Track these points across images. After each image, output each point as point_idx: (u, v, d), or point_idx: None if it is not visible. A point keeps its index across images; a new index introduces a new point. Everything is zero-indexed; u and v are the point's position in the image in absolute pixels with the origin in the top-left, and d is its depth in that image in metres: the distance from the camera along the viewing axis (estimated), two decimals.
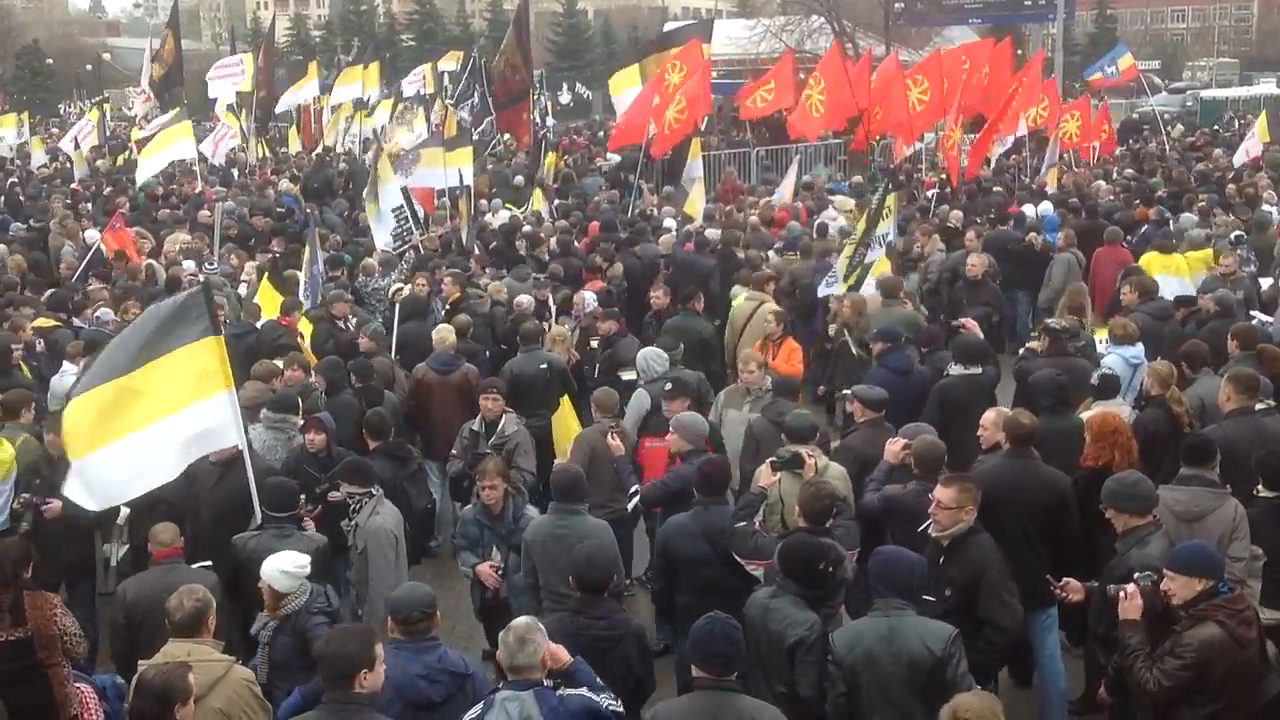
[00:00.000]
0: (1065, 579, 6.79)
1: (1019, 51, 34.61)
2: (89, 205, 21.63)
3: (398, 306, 12.26)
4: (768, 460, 7.58)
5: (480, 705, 5.37)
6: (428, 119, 29.05)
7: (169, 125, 22.20)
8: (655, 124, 20.12)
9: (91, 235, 17.36)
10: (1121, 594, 5.83)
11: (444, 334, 10.83)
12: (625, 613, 6.56)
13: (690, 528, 7.26)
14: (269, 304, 12.40)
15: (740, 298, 12.78)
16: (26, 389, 9.90)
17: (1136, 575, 5.92)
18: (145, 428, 7.26)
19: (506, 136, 27.98)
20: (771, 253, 15.36)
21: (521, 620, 5.56)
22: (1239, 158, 24.08)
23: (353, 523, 7.66)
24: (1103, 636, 6.52)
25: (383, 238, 15.63)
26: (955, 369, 9.68)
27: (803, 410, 9.03)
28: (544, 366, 10.50)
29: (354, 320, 12.35)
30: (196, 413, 7.40)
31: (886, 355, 10.26)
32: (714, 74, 26.26)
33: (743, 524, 7.15)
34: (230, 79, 30.11)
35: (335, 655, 5.21)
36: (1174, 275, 12.86)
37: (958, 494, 6.55)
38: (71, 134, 29.44)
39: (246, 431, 7.89)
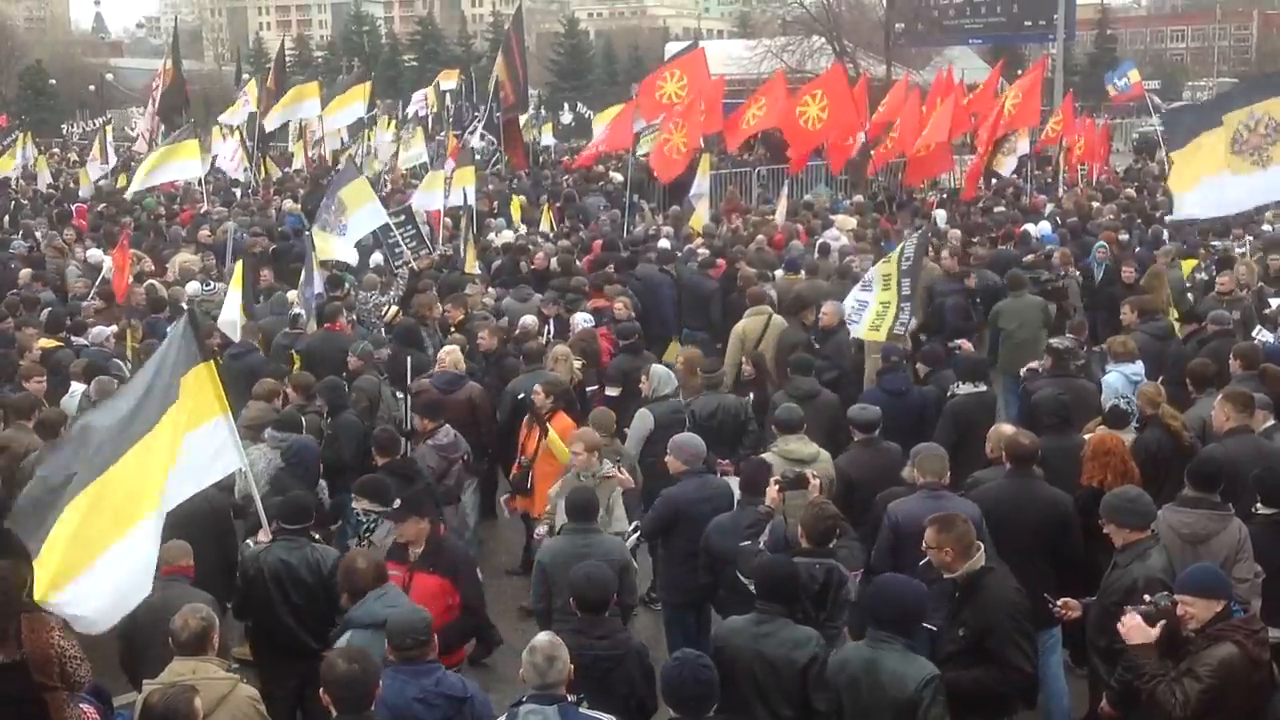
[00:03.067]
0: (1063, 598, 6.78)
1: (1018, 71, 34.69)
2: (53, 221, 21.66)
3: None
4: (772, 479, 7.59)
5: (504, 717, 5.39)
6: (426, 138, 29.13)
7: (175, 143, 22.18)
8: (659, 144, 20.03)
9: (94, 254, 17.38)
10: (1134, 619, 5.72)
11: (450, 354, 10.81)
12: (627, 632, 6.53)
13: (728, 526, 7.35)
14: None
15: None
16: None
17: (1153, 596, 5.87)
18: (159, 507, 6.81)
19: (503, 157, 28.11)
20: (779, 273, 15.36)
21: (544, 638, 5.53)
22: None
23: (365, 541, 7.61)
24: (1103, 650, 6.52)
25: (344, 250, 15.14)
26: (963, 388, 9.74)
27: (791, 404, 9.05)
28: (521, 396, 10.30)
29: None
30: (193, 443, 7.17)
31: (884, 375, 10.31)
32: None
33: (747, 544, 7.14)
34: (245, 107, 30.60)
35: (352, 682, 5.20)
36: None
37: (936, 534, 6.31)
38: (91, 155, 29.63)
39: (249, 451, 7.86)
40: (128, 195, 22.85)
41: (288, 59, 77.09)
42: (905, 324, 11.35)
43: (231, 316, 12.32)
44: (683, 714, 5.26)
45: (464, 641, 7.16)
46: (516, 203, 22.05)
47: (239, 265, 13.06)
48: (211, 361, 7.46)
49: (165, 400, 7.07)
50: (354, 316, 12.96)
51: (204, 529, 7.68)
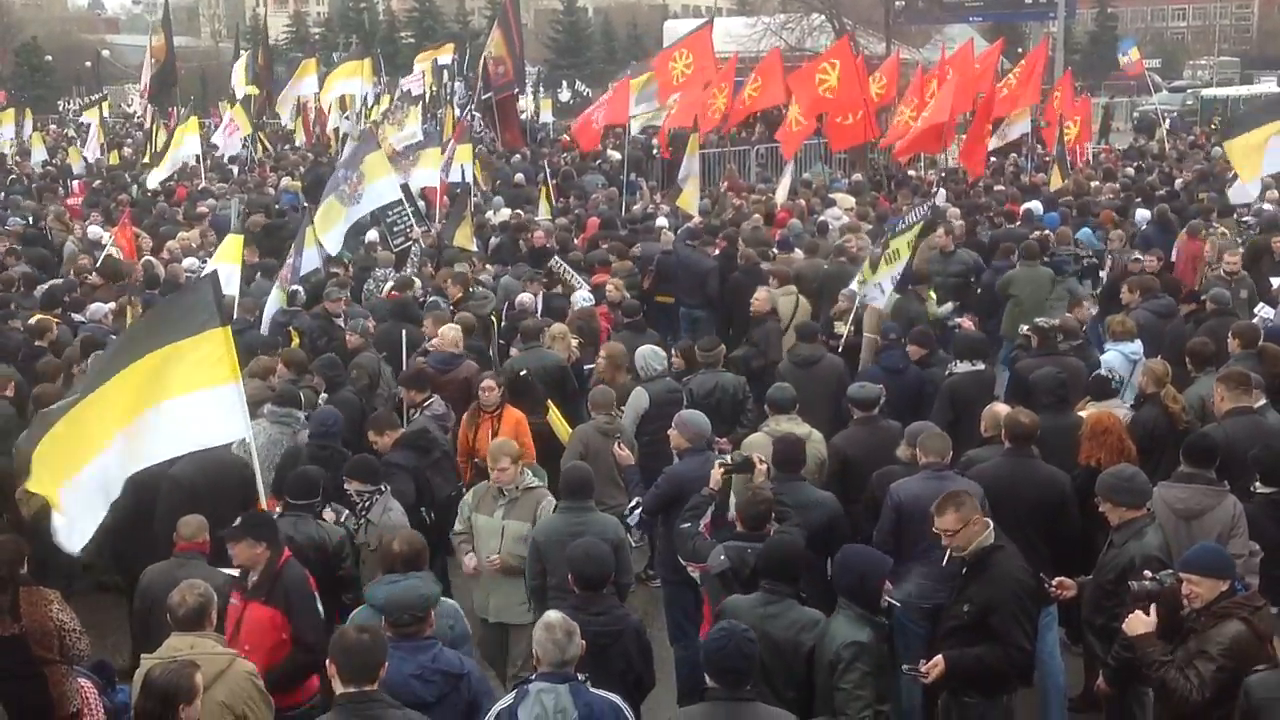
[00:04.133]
0: (1059, 577, 6.78)
1: (1019, 49, 34.60)
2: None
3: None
4: (716, 462, 7.49)
5: (512, 695, 5.40)
6: (423, 117, 28.96)
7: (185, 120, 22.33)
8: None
9: (94, 231, 17.34)
10: (1137, 615, 5.71)
11: (450, 333, 10.76)
12: (624, 609, 6.54)
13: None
14: None
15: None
16: None
17: (1160, 574, 5.84)
18: (135, 419, 7.07)
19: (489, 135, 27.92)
20: (774, 251, 15.32)
21: (557, 615, 5.54)
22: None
23: (362, 520, 7.59)
24: (1099, 629, 6.52)
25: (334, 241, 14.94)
26: (961, 366, 9.73)
27: (785, 384, 9.06)
28: (524, 372, 10.25)
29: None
30: (197, 401, 7.24)
31: (882, 353, 10.29)
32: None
33: (687, 525, 7.13)
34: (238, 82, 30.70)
35: (360, 649, 5.18)
36: None
37: (955, 517, 6.31)
38: (90, 138, 29.57)
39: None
40: (151, 186, 22.77)
41: (285, 36, 77.10)
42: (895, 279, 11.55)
43: (229, 292, 12.27)
44: (722, 684, 5.23)
45: (296, 681, 6.40)
46: (477, 165, 21.78)
47: (232, 240, 13.00)
48: (228, 328, 7.46)
49: (162, 339, 7.20)
50: (345, 293, 12.81)
51: (232, 499, 7.69)
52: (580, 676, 5.42)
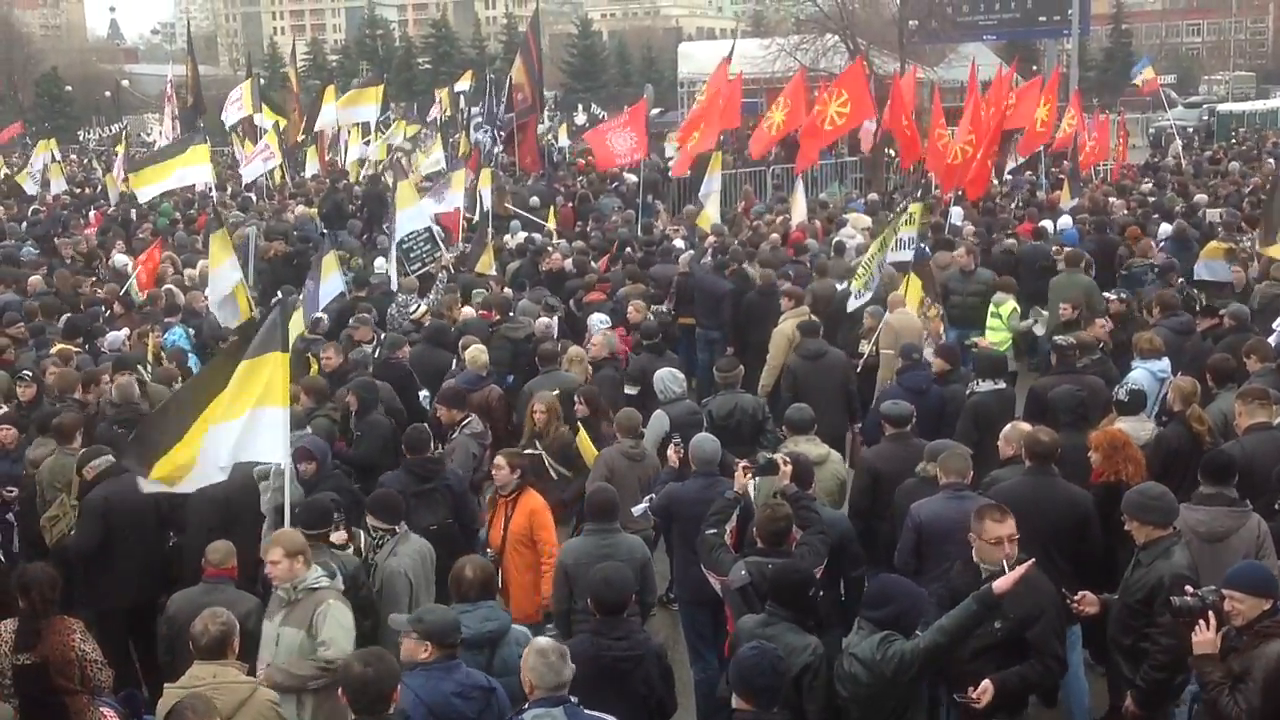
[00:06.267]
0: (1081, 592, 6.72)
1: (1034, 67, 34.58)
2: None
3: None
4: (741, 465, 7.50)
5: None
6: (444, 143, 29.13)
7: (184, 147, 22.27)
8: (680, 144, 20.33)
9: (120, 259, 17.45)
10: (1197, 627, 5.59)
11: (475, 354, 10.92)
12: (646, 633, 6.52)
13: None
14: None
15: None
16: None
17: (1203, 590, 5.81)
18: (207, 430, 7.42)
19: (505, 158, 28.06)
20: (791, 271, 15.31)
21: (545, 640, 5.56)
22: None
23: (373, 559, 7.53)
24: (1127, 649, 6.46)
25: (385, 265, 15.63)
26: (983, 385, 9.71)
27: (802, 404, 9.10)
28: (556, 391, 10.43)
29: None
30: (248, 420, 7.46)
31: (903, 374, 10.27)
32: None
33: (712, 532, 7.09)
34: (235, 105, 30.73)
35: (366, 684, 5.17)
36: None
37: (1008, 520, 6.26)
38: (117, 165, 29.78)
39: None
40: (141, 202, 22.91)
41: (303, 64, 77.48)
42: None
43: (225, 288, 12.65)
44: (751, 703, 5.21)
45: None
46: (487, 174, 21.90)
47: (218, 239, 13.10)
48: (287, 354, 7.69)
49: (243, 356, 7.63)
50: (371, 320, 12.90)
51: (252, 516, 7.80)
52: (573, 699, 5.38)
